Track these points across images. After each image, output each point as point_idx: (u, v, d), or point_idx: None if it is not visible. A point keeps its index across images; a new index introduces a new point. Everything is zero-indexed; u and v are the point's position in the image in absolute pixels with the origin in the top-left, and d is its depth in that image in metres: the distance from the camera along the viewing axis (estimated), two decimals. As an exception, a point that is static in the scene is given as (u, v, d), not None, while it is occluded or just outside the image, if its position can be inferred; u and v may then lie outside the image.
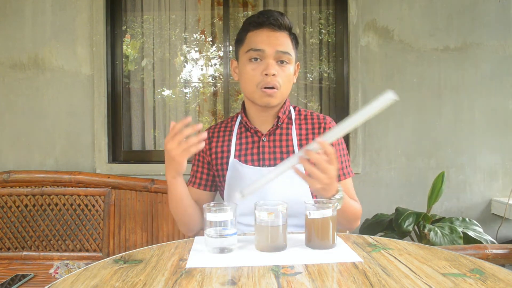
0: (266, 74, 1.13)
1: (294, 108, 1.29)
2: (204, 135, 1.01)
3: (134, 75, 2.50)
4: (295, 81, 1.24)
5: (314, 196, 1.20)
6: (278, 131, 1.23)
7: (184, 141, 0.98)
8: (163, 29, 2.49)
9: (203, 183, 1.29)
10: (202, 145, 0.99)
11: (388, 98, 0.85)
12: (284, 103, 1.25)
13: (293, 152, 1.20)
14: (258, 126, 1.24)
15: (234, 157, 1.22)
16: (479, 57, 2.29)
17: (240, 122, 1.27)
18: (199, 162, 1.30)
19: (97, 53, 2.29)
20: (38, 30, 2.29)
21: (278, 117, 1.22)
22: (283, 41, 1.16)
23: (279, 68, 1.15)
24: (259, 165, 1.19)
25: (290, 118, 1.25)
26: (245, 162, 1.20)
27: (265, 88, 1.14)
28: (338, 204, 1.00)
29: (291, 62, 1.18)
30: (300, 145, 1.21)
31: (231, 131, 1.27)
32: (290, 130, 1.23)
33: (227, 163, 1.22)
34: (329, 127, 1.23)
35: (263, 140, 1.22)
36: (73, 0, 2.29)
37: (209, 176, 1.29)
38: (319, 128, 1.23)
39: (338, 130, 0.91)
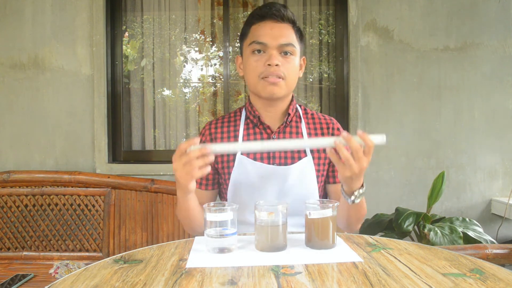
0: (269, 65, 1.11)
1: (300, 106, 1.28)
2: (212, 158, 0.94)
3: (134, 75, 2.50)
4: (301, 75, 1.23)
5: (320, 195, 1.20)
6: (287, 129, 1.21)
7: (189, 162, 0.92)
8: (163, 29, 2.49)
9: (204, 183, 1.23)
10: (208, 169, 0.94)
11: (380, 139, 0.92)
12: (292, 100, 1.23)
13: (304, 151, 1.18)
14: (265, 122, 1.21)
15: (242, 153, 1.17)
16: (479, 57, 2.29)
17: (247, 118, 1.23)
18: None
19: (97, 53, 2.29)
20: (38, 30, 2.29)
21: (288, 114, 1.20)
22: (286, 33, 1.14)
23: (283, 59, 1.13)
24: (269, 163, 1.16)
25: (299, 117, 1.24)
26: (254, 159, 1.17)
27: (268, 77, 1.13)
28: (357, 199, 0.99)
29: (295, 53, 1.15)
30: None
31: (236, 126, 1.23)
32: (300, 128, 1.21)
33: (233, 160, 1.17)
34: (337, 128, 1.24)
35: (273, 138, 1.19)
36: (73, 0, 2.29)
37: (209, 174, 1.23)
38: (328, 128, 1.23)
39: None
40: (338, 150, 0.91)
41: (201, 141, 1.23)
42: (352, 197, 0.99)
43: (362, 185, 0.99)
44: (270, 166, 1.15)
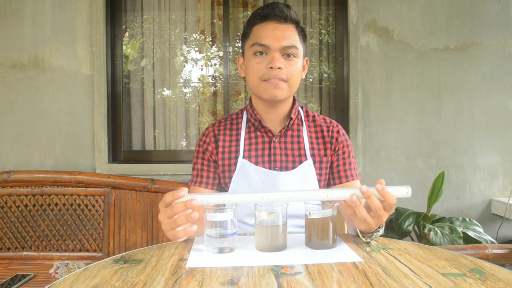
0: (271, 67, 1.09)
1: (302, 108, 1.26)
2: (196, 215, 0.84)
3: (134, 75, 2.50)
4: (303, 76, 1.20)
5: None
6: (289, 133, 1.19)
7: (173, 220, 0.85)
8: (163, 29, 2.49)
9: (210, 182, 1.18)
10: (194, 228, 0.87)
11: (403, 192, 0.90)
12: (294, 103, 1.21)
13: (305, 155, 1.17)
14: (266, 126, 1.19)
15: (243, 157, 1.16)
16: (479, 57, 2.29)
17: (248, 120, 1.21)
18: (204, 161, 1.20)
19: (97, 53, 2.29)
20: (38, 30, 2.29)
21: (291, 118, 1.18)
22: (289, 34, 1.10)
23: (286, 61, 1.10)
24: (270, 168, 1.15)
25: (300, 120, 1.22)
26: (256, 163, 1.15)
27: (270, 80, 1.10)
28: (373, 240, 0.95)
29: (298, 55, 1.12)
30: (312, 148, 1.18)
31: (238, 129, 1.21)
32: (301, 132, 1.20)
33: (235, 164, 1.16)
34: (336, 130, 1.22)
35: (274, 141, 1.17)
36: (73, 0, 2.29)
37: (216, 174, 1.20)
38: (328, 131, 1.21)
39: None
40: (354, 207, 0.84)
41: (204, 142, 1.22)
42: (368, 239, 0.94)
43: (381, 226, 0.93)
44: (271, 171, 1.14)
